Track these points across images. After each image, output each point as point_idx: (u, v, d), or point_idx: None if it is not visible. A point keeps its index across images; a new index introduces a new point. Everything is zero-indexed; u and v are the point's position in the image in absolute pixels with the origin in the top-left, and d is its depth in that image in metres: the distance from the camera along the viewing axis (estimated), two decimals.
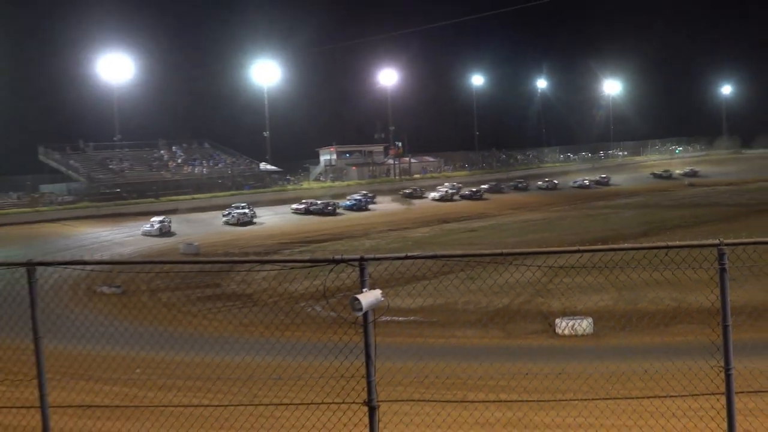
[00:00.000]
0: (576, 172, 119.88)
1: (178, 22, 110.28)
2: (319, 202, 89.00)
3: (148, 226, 74.39)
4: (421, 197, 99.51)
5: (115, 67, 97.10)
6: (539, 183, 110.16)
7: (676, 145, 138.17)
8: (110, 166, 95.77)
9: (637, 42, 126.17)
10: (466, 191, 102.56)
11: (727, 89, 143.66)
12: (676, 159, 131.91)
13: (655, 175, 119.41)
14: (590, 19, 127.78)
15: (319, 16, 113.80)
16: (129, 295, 41.05)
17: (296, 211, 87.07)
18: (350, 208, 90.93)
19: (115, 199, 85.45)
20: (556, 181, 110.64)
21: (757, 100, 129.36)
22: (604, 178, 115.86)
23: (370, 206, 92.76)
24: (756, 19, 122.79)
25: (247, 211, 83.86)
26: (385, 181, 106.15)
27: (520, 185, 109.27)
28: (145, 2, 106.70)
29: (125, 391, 21.64)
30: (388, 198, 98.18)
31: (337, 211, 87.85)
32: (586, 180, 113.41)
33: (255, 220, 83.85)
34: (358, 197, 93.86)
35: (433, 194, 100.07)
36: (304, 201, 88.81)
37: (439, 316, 35.93)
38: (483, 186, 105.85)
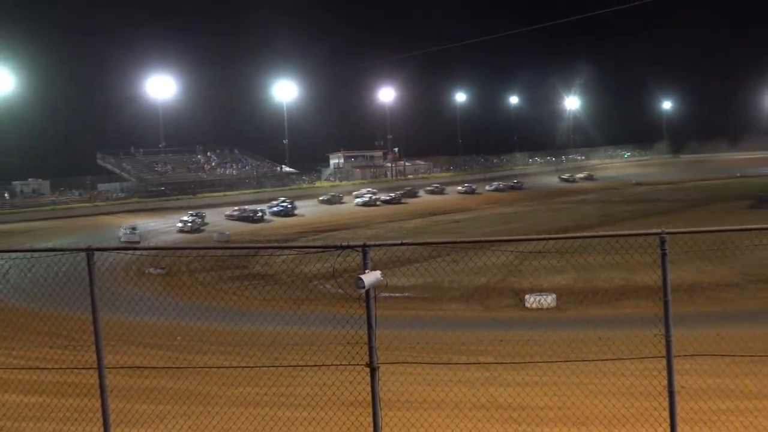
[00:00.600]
0: (539, 173, 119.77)
1: (212, 48, 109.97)
2: (248, 208, 79.74)
3: (180, 223, 71.08)
4: (340, 202, 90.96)
5: (160, 86, 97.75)
6: (500, 182, 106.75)
7: (624, 150, 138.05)
8: (156, 169, 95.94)
9: (593, 63, 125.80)
10: (384, 197, 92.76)
11: (667, 104, 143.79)
12: (624, 162, 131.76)
13: (562, 179, 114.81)
14: (556, 46, 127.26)
15: (330, 42, 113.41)
16: (171, 275, 41.05)
17: (230, 218, 77.09)
18: (277, 213, 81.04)
19: (160, 196, 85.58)
20: (514, 181, 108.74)
21: (691, 113, 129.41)
22: (517, 183, 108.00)
23: (296, 212, 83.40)
24: (691, 41, 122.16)
25: (288, 204, 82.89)
26: (384, 181, 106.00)
27: (500, 187, 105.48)
28: (186, 32, 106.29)
29: (168, 354, 21.69)
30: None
31: (264, 218, 79.35)
32: (500, 183, 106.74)
33: (295, 212, 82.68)
34: (285, 204, 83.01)
35: (356, 200, 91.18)
36: (236, 208, 79.51)
37: (429, 293, 35.98)
38: (459, 187, 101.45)
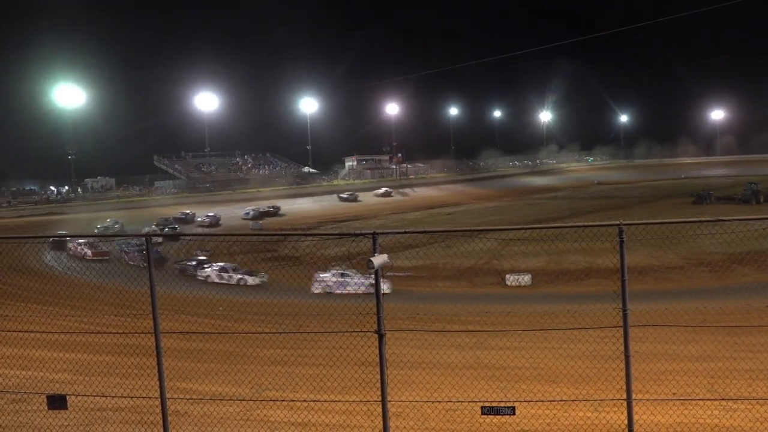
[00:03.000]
0: (518, 174, 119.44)
1: (250, 68, 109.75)
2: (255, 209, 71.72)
3: (244, 213, 69.03)
4: (355, 200, 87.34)
5: (206, 99, 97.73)
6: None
7: (588, 156, 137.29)
8: (202, 169, 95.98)
9: (565, 82, 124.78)
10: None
11: (624, 117, 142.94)
12: (588, 166, 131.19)
13: (341, 198, 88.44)
14: (534, 68, 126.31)
15: (346, 64, 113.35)
16: (215, 256, 41.05)
17: (249, 216, 68.64)
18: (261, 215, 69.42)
19: (206, 191, 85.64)
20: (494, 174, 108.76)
21: (645, 124, 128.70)
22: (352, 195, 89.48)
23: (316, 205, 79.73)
24: (647, 65, 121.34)
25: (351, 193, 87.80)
26: (389, 180, 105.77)
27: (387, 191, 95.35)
28: (229, 54, 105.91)
29: (212, 322, 21.74)
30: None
31: (279, 212, 72.85)
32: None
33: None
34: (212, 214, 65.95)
35: (377, 191, 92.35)
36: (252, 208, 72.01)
37: (426, 273, 35.92)
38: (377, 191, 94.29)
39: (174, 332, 14.21)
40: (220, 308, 24.53)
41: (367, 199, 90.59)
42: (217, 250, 43.04)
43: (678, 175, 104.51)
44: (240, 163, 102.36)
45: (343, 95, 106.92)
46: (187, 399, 9.36)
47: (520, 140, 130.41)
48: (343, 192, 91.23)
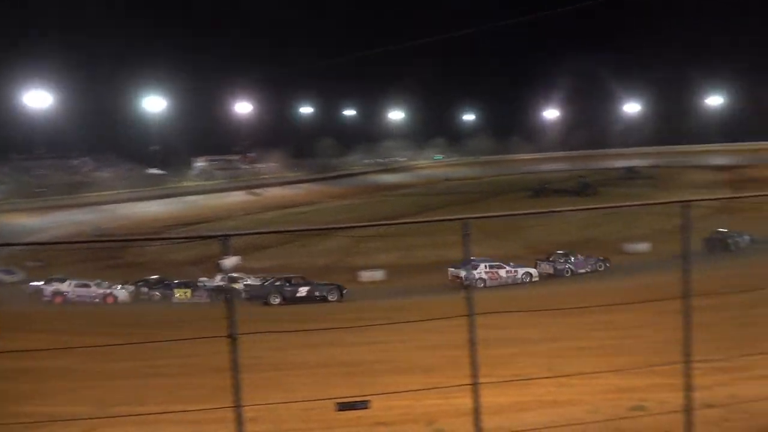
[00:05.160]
0: (369, 172, 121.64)
1: (88, 66, 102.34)
2: None
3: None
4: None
5: (37, 97, 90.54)
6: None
7: (437, 153, 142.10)
8: (34, 172, 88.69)
9: (409, 85, 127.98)
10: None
11: (469, 116, 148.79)
12: (437, 163, 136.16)
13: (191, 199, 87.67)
14: (377, 72, 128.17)
15: (198, 60, 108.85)
16: (48, 267, 38.10)
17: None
18: None
19: (39, 197, 78.99)
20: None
21: (489, 121, 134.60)
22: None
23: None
24: (490, 65, 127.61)
25: None
26: (241, 180, 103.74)
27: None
28: (62, 53, 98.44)
29: (51, 338, 20.18)
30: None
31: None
32: None
33: None
34: None
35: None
36: None
37: (281, 273, 35.66)
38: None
39: (8, 351, 13.04)
40: (60, 321, 22.87)
41: (218, 200, 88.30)
42: (52, 260, 40.01)
43: (518, 171, 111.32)
44: (79, 165, 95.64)
45: (193, 94, 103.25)
46: (20, 424, 8.64)
47: (372, 138, 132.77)
48: (193, 193, 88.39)
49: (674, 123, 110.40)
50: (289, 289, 27.98)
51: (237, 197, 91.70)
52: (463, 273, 30.82)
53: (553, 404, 7.38)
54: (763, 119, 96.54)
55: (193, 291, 30.09)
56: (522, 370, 10.08)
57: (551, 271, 31.59)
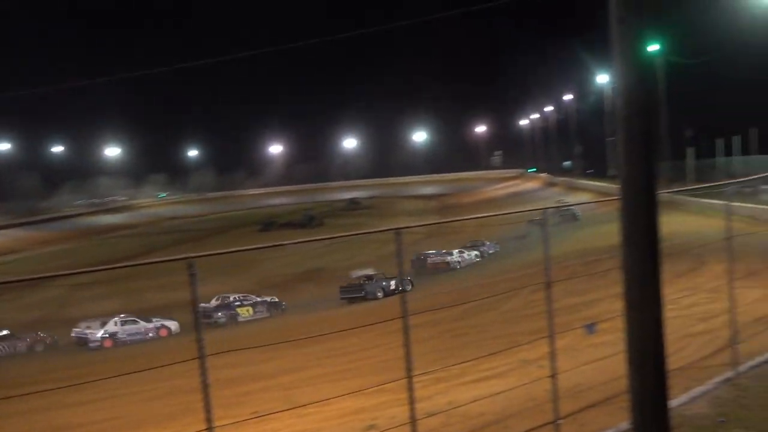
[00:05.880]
0: (85, 214, 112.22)
1: None
2: None
3: None
4: None
5: None
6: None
7: (161, 191, 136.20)
8: None
9: (127, 122, 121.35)
10: None
11: (193, 152, 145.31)
12: (161, 201, 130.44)
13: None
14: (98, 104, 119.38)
15: None
16: None
17: None
18: None
19: None
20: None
21: (216, 158, 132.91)
22: None
23: None
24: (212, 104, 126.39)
25: None
26: None
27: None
28: None
29: None
30: None
31: None
32: None
33: None
34: None
35: None
36: None
37: None
38: None
39: None
40: None
41: None
42: None
43: (246, 206, 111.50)
44: None
45: None
46: None
47: (85, 176, 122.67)
48: None
49: (387, 156, 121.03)
50: None
51: None
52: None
53: None
54: (460, 153, 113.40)
55: (253, 307, 30.61)
56: (260, 406, 10.01)
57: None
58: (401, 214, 73.34)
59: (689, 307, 14.37)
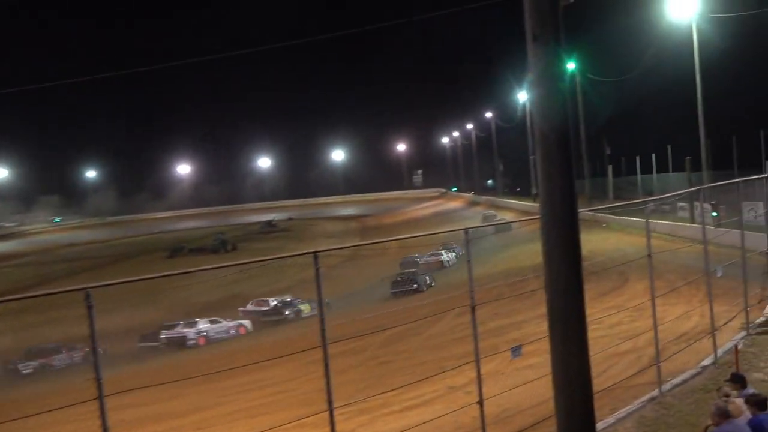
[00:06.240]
0: None
1: None
2: None
3: None
4: None
5: None
6: None
7: (56, 216, 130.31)
8: None
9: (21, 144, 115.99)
10: None
11: (92, 173, 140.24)
12: (56, 226, 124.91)
13: None
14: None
15: None
16: None
17: None
18: None
19: None
20: None
21: (118, 181, 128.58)
22: None
23: None
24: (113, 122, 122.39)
25: None
26: None
27: None
28: None
29: None
30: None
31: None
32: None
33: None
34: None
35: None
36: None
37: None
38: None
39: None
40: None
41: None
42: None
43: (152, 230, 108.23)
44: None
45: None
46: None
47: None
48: None
49: (305, 177, 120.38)
50: None
51: None
52: None
53: None
54: (381, 173, 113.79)
55: (311, 305, 31.33)
56: None
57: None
58: (320, 236, 72.97)
59: (614, 326, 14.91)
